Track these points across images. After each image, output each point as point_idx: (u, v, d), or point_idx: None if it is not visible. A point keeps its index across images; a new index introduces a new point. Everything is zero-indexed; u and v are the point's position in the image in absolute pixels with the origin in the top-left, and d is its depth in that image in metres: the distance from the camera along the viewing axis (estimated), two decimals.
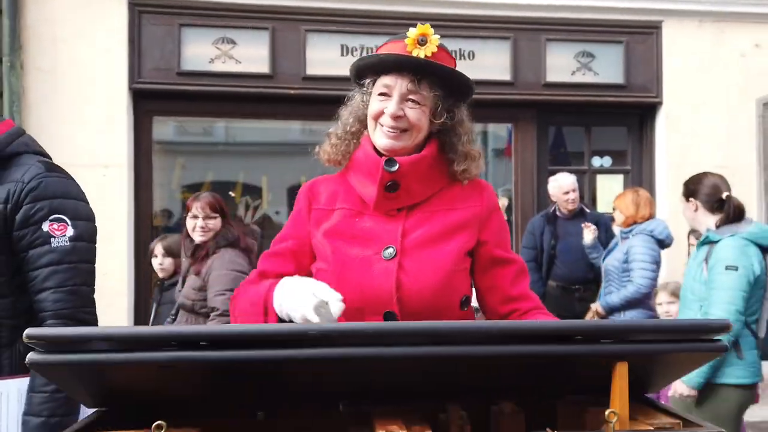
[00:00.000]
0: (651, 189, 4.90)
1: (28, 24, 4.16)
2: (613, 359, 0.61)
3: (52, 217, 1.37)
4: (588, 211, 4.29)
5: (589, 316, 3.76)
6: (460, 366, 0.68)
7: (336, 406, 0.73)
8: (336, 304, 1.01)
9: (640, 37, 4.76)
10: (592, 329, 0.64)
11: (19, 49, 4.11)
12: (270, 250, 1.31)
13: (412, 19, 4.48)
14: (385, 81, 1.23)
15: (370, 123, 1.27)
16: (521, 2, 4.60)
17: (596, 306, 3.73)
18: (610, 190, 4.85)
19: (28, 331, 0.57)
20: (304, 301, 1.00)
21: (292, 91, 4.47)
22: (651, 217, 3.76)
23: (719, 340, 0.65)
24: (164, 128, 5.29)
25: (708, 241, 2.48)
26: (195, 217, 2.75)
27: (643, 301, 3.57)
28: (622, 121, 5.02)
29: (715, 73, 4.79)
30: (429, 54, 1.21)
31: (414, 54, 1.20)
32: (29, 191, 1.36)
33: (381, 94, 1.24)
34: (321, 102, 4.80)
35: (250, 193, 6.26)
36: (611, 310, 3.62)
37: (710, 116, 4.79)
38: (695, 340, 0.64)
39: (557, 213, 4.24)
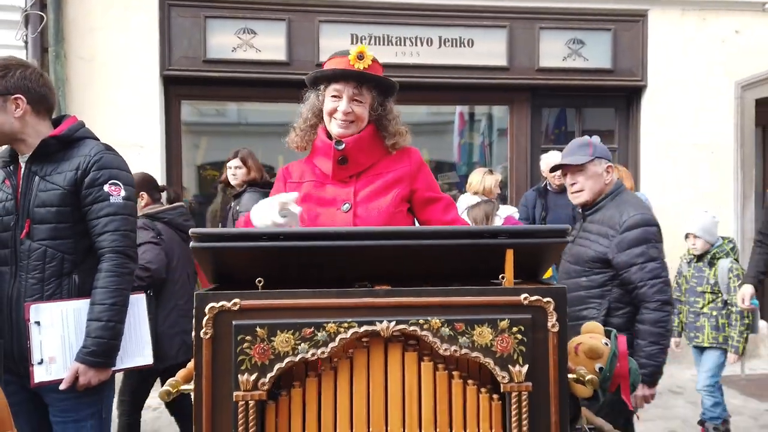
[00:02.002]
0: (636, 165, 5.32)
1: (70, 18, 4.62)
2: (505, 247, 1.07)
3: (110, 182, 1.84)
4: None
5: None
6: (428, 258, 1.14)
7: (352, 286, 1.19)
8: (294, 205, 1.44)
9: (627, 25, 5.14)
10: (493, 231, 1.10)
11: (62, 40, 4.56)
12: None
13: (416, 10, 4.95)
14: (336, 86, 1.67)
15: (326, 117, 1.70)
16: None
17: None
18: None
19: (192, 230, 1.04)
20: (270, 211, 1.42)
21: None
22: (632, 189, 4.19)
23: (565, 236, 1.11)
24: (189, 110, 5.72)
25: None
26: None
27: None
28: (610, 103, 5.40)
29: (696, 58, 5.16)
30: (366, 66, 1.64)
31: (356, 67, 1.63)
32: (95, 162, 1.83)
33: (333, 96, 1.67)
34: None
35: (268, 171, 6.71)
36: None
37: (692, 98, 5.17)
38: (552, 237, 1.10)
39: (548, 188, 4.66)
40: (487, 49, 5.02)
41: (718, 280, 3.45)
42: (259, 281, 1.04)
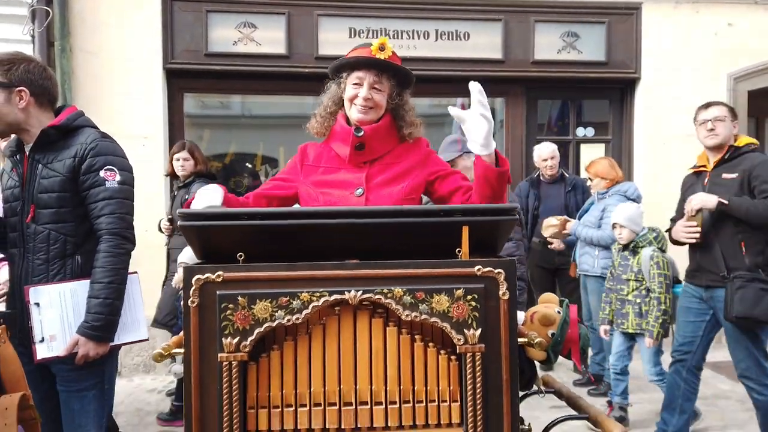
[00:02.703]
0: (629, 156, 5.41)
1: (75, 12, 4.74)
2: (461, 224, 1.19)
3: (106, 167, 1.95)
4: (567, 175, 4.81)
5: (553, 223, 4.30)
6: (394, 235, 1.26)
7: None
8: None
9: (621, 18, 5.21)
10: (450, 209, 1.21)
11: (68, 34, 4.69)
12: (264, 184, 1.89)
13: (413, 4, 5.05)
14: (357, 74, 1.78)
15: (347, 104, 1.81)
16: None
17: (569, 223, 4.25)
18: (592, 158, 5.35)
19: (179, 210, 1.16)
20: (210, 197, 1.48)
21: (306, 70, 5.00)
22: (621, 179, 4.29)
23: (514, 215, 1.23)
24: (192, 103, 5.85)
25: None
26: None
27: (609, 248, 4.12)
28: (603, 95, 5.48)
29: (689, 51, 5.23)
30: (387, 56, 1.76)
31: (377, 57, 1.75)
32: (91, 149, 1.95)
33: (355, 84, 1.78)
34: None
35: (269, 162, 6.85)
36: (576, 236, 4.19)
37: (685, 90, 5.24)
38: (501, 215, 1.22)
39: (540, 178, 4.77)
40: (483, 42, 5.11)
41: (641, 268, 3.55)
42: (240, 256, 1.17)
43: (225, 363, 1.13)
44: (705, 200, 2.92)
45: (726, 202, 2.86)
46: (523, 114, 5.32)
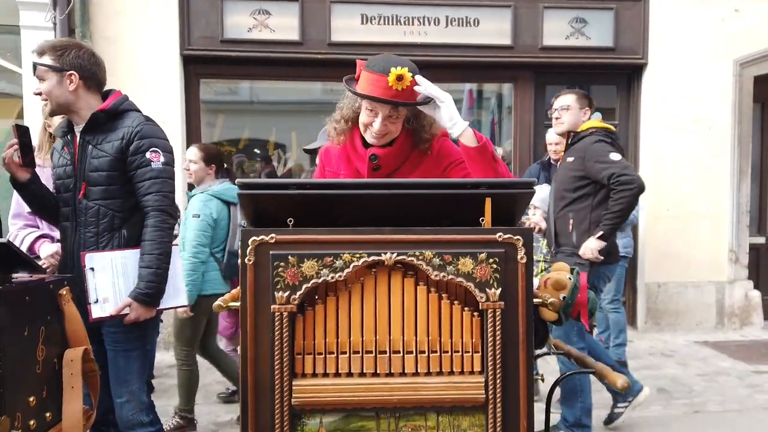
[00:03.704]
0: (636, 141, 5.52)
1: (94, 0, 4.87)
2: (485, 196, 1.33)
3: (151, 149, 2.10)
4: None
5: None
6: (425, 205, 1.40)
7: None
8: None
9: (629, 4, 5.30)
10: (475, 182, 1.36)
11: (88, 21, 4.82)
12: None
13: None
14: (372, 103, 1.69)
15: (362, 126, 1.76)
16: None
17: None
18: None
19: (238, 180, 1.32)
20: None
21: (319, 56, 5.13)
22: None
23: (532, 188, 1.37)
24: (205, 89, 5.97)
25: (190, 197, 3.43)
26: None
27: (625, 229, 4.26)
28: (611, 81, 5.59)
29: (696, 37, 5.32)
30: (404, 87, 1.65)
31: (394, 88, 1.65)
32: (137, 132, 2.10)
33: (369, 110, 1.71)
34: (344, 65, 5.33)
35: (281, 148, 7.00)
36: None
37: (691, 75, 5.35)
38: (521, 188, 1.36)
39: (551, 161, 4.89)
40: (492, 28, 5.22)
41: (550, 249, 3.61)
42: (290, 221, 1.32)
43: (277, 314, 1.28)
44: (592, 251, 2.93)
45: (601, 233, 2.92)
46: (531, 100, 5.44)
